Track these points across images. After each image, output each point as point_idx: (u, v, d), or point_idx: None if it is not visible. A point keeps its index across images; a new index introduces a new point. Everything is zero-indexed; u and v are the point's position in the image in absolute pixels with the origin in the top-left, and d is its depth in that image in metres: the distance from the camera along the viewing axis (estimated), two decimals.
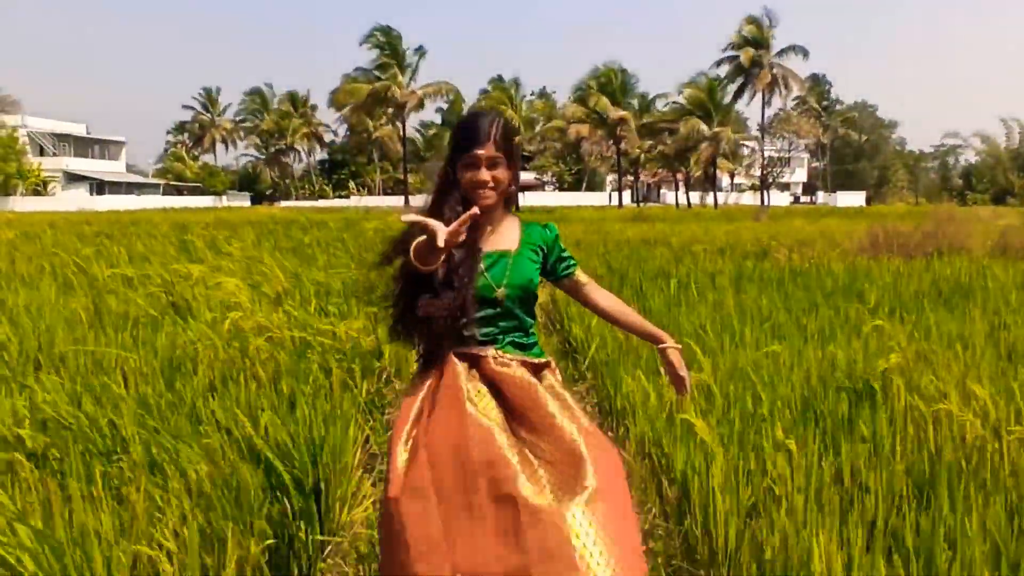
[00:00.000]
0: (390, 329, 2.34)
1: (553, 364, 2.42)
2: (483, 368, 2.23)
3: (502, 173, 2.26)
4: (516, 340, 2.31)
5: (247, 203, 76.55)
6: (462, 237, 1.97)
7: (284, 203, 73.61)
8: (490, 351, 2.25)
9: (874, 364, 4.36)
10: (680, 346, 2.48)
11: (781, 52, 56.65)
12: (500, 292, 2.25)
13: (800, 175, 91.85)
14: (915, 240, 13.32)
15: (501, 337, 2.29)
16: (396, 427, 2.20)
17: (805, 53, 56.71)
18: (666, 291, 8.25)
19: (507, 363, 2.24)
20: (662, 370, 2.48)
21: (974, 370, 4.32)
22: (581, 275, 2.49)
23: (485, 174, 2.23)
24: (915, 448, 3.39)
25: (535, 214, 36.23)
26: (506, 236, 2.34)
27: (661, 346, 2.46)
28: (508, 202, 2.39)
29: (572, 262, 2.47)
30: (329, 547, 3.38)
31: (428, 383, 2.24)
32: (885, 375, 4.20)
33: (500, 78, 67.29)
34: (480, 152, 2.21)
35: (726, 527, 2.99)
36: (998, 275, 8.77)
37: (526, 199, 66.78)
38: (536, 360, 2.34)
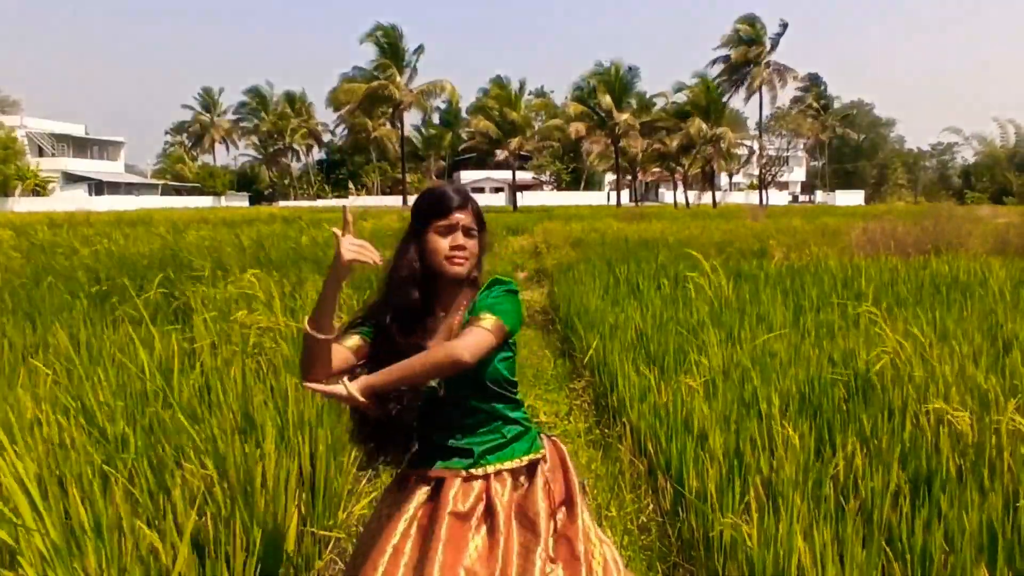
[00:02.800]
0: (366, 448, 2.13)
1: (546, 455, 2.17)
2: (456, 494, 2.02)
3: (474, 246, 2.11)
4: (490, 441, 2.09)
5: (246, 203, 76.52)
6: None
7: (282, 203, 73.58)
8: (459, 474, 2.05)
9: (871, 359, 4.38)
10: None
11: (774, 44, 56.78)
12: (441, 392, 2.04)
13: (798, 174, 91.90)
14: (913, 238, 13.33)
15: (474, 443, 2.08)
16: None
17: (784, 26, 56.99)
18: (663, 289, 8.26)
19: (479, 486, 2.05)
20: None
21: (970, 365, 4.33)
22: (478, 322, 1.99)
23: (463, 238, 2.07)
24: (911, 442, 3.39)
25: (533, 214, 36.25)
26: (451, 322, 2.11)
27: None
28: (472, 282, 2.16)
29: (481, 311, 2.01)
30: (331, 543, 3.39)
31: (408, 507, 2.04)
32: (882, 370, 4.21)
33: (500, 78, 67.24)
34: (459, 216, 2.07)
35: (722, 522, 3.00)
36: (996, 272, 8.78)
37: (524, 199, 66.84)
38: (521, 461, 2.10)
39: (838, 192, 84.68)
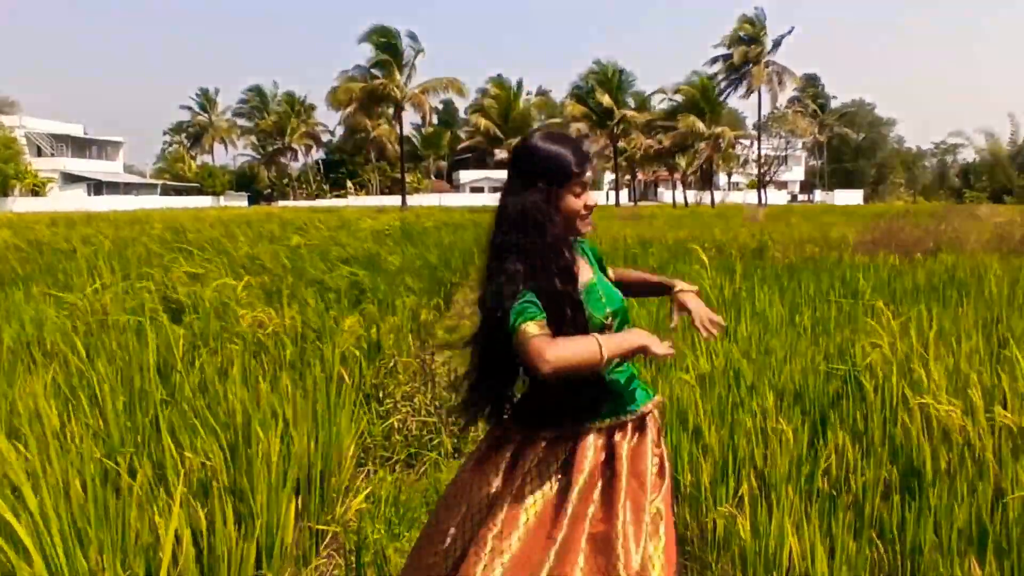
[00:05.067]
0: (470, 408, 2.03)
1: (656, 411, 2.11)
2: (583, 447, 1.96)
3: None
4: (621, 382, 2.02)
5: (245, 203, 76.53)
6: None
7: (282, 203, 73.59)
8: (590, 427, 1.98)
9: (866, 355, 4.40)
10: (696, 287, 2.19)
11: (775, 45, 56.91)
12: (608, 322, 1.99)
13: (797, 173, 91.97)
14: (912, 237, 13.36)
15: (610, 381, 2.00)
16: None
17: (791, 30, 57.27)
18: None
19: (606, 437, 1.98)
20: (675, 320, 2.14)
21: (965, 362, 4.35)
22: (612, 272, 2.23)
23: (591, 199, 1.98)
24: (903, 437, 3.42)
25: None
26: (581, 263, 2.04)
27: (676, 291, 2.18)
28: None
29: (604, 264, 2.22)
30: (328, 537, 3.42)
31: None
32: (877, 366, 4.24)
33: (500, 77, 67.36)
34: (589, 176, 1.97)
35: (715, 516, 3.03)
36: (994, 270, 8.81)
37: None
38: (640, 411, 2.03)
39: (837, 191, 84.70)
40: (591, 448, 1.95)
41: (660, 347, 1.87)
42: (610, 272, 2.22)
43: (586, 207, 1.96)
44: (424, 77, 54.73)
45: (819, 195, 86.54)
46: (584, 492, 1.90)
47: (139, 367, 3.99)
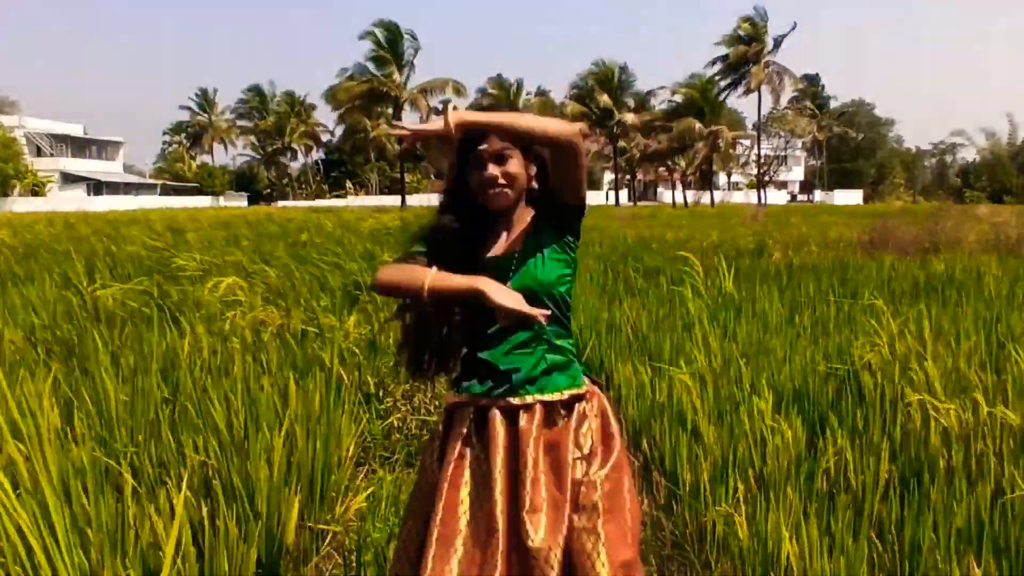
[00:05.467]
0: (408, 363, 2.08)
1: (591, 393, 2.03)
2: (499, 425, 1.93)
3: (516, 166, 1.94)
4: (527, 363, 1.95)
5: (244, 203, 76.53)
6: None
7: (281, 203, 73.59)
8: (497, 403, 1.94)
9: (865, 355, 4.41)
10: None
11: (776, 44, 56.99)
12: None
13: (797, 173, 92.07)
14: (911, 236, 13.37)
15: (510, 359, 1.95)
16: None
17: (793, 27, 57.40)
18: (660, 287, 8.29)
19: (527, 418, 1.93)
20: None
21: (964, 361, 4.36)
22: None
23: (493, 169, 1.91)
24: (902, 436, 3.43)
25: None
26: (517, 236, 2.00)
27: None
28: (534, 202, 2.04)
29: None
30: (328, 537, 3.42)
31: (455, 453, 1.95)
32: (876, 365, 4.25)
33: (499, 77, 67.33)
34: (483, 147, 1.91)
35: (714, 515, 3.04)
36: (992, 270, 8.82)
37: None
38: (554, 396, 1.95)
39: (836, 191, 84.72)
40: (500, 425, 1.93)
41: (501, 297, 1.85)
42: None
43: (482, 180, 1.93)
44: (423, 77, 54.72)
45: (819, 195, 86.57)
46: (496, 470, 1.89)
47: (141, 367, 4.00)
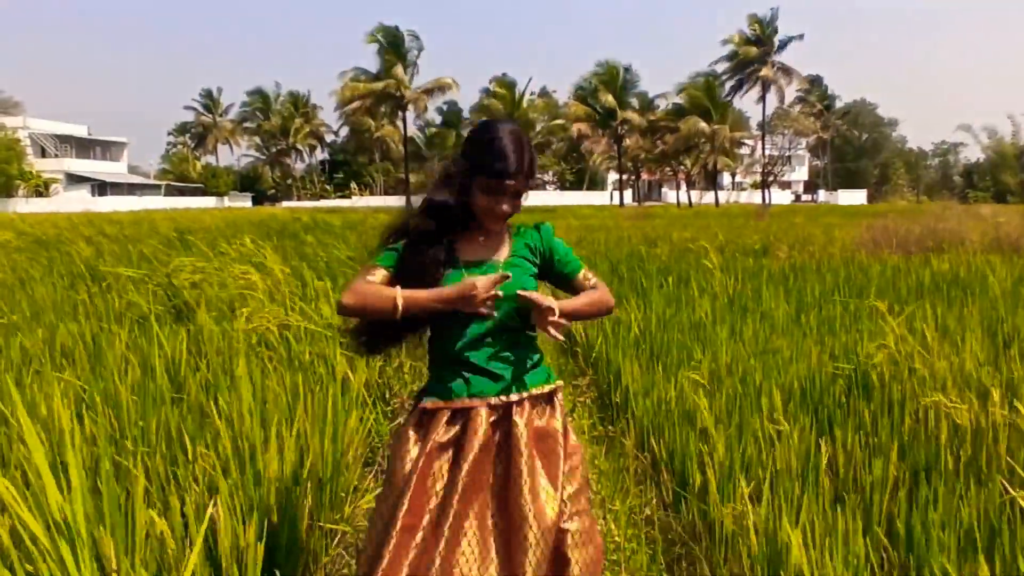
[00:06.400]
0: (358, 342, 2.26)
1: (559, 389, 2.22)
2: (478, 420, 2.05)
3: (519, 202, 2.13)
4: (513, 363, 2.11)
5: (248, 204, 76.63)
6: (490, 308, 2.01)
7: (286, 203, 73.68)
8: (485, 401, 2.07)
9: (871, 353, 4.42)
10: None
11: (781, 46, 56.97)
12: (494, 312, 2.07)
13: (801, 173, 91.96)
14: (914, 236, 13.36)
15: (503, 367, 2.10)
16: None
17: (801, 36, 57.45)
18: (666, 287, 8.30)
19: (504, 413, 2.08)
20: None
21: (970, 360, 4.37)
22: (589, 275, 2.26)
23: (507, 205, 2.09)
24: (910, 435, 3.44)
25: (535, 214, 36.24)
26: (494, 244, 2.18)
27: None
28: None
29: (576, 262, 2.27)
30: (337, 537, 3.43)
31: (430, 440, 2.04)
32: (883, 365, 4.25)
33: (504, 76, 67.32)
34: (509, 183, 2.05)
35: (722, 515, 3.04)
36: (995, 269, 8.81)
37: (527, 199, 66.73)
38: (541, 390, 2.14)
39: (841, 191, 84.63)
40: (483, 423, 2.05)
41: (474, 288, 1.98)
42: (586, 277, 2.26)
43: (495, 209, 2.08)
44: (427, 77, 54.77)
45: (823, 195, 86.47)
46: (476, 465, 2.00)
47: (150, 367, 4.02)
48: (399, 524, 1.92)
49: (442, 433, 2.04)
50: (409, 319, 2.07)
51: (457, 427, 2.05)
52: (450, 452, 2.04)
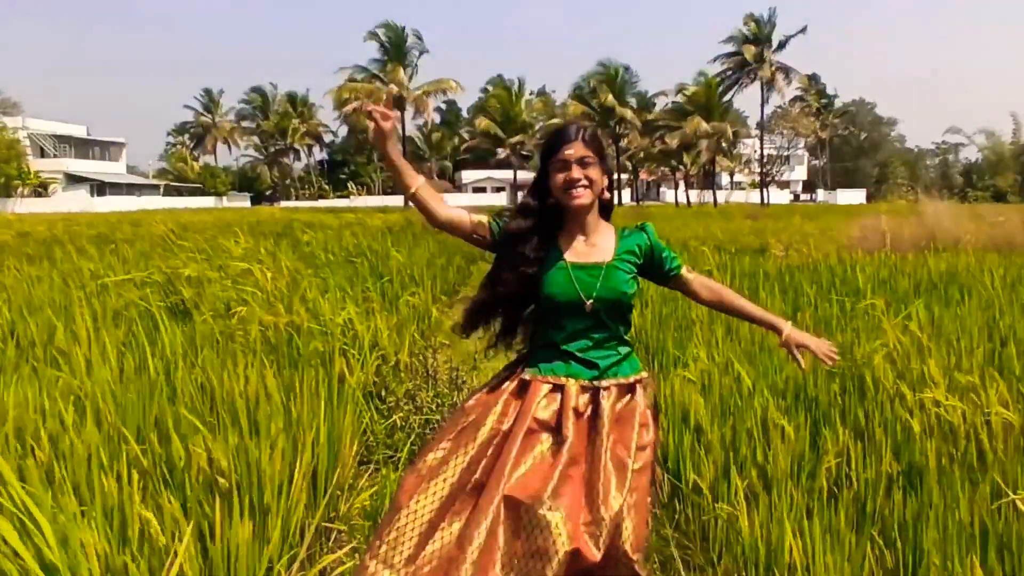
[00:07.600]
0: (467, 314, 2.42)
1: (646, 380, 2.40)
2: (565, 399, 2.25)
3: (595, 173, 2.28)
4: (606, 355, 2.32)
5: (247, 204, 76.55)
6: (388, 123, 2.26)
7: (284, 203, 73.62)
8: (574, 383, 2.27)
9: (866, 353, 4.42)
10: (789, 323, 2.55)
11: (782, 44, 56.96)
12: (589, 304, 2.26)
13: (800, 173, 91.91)
14: (912, 236, 13.36)
15: (598, 357, 2.30)
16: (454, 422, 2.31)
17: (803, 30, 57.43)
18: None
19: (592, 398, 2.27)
20: (802, 362, 2.59)
21: (966, 358, 4.37)
22: (687, 273, 2.48)
23: (577, 171, 2.25)
24: (904, 434, 3.44)
25: None
26: (601, 247, 2.34)
27: (784, 336, 2.53)
28: (605, 210, 2.41)
29: (676, 262, 2.46)
30: (333, 535, 3.44)
31: (504, 398, 2.28)
32: (877, 364, 4.25)
33: (501, 77, 67.35)
34: (569, 151, 2.24)
35: (716, 512, 3.05)
36: (993, 269, 8.82)
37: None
38: (626, 380, 2.33)
39: (839, 191, 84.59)
40: (575, 397, 2.25)
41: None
42: (686, 275, 2.48)
43: (566, 180, 2.26)
44: (427, 77, 54.71)
45: (821, 195, 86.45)
46: (574, 439, 2.19)
47: (146, 364, 4.02)
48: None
49: (540, 408, 2.22)
50: (512, 301, 2.35)
51: (556, 404, 2.24)
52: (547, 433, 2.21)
